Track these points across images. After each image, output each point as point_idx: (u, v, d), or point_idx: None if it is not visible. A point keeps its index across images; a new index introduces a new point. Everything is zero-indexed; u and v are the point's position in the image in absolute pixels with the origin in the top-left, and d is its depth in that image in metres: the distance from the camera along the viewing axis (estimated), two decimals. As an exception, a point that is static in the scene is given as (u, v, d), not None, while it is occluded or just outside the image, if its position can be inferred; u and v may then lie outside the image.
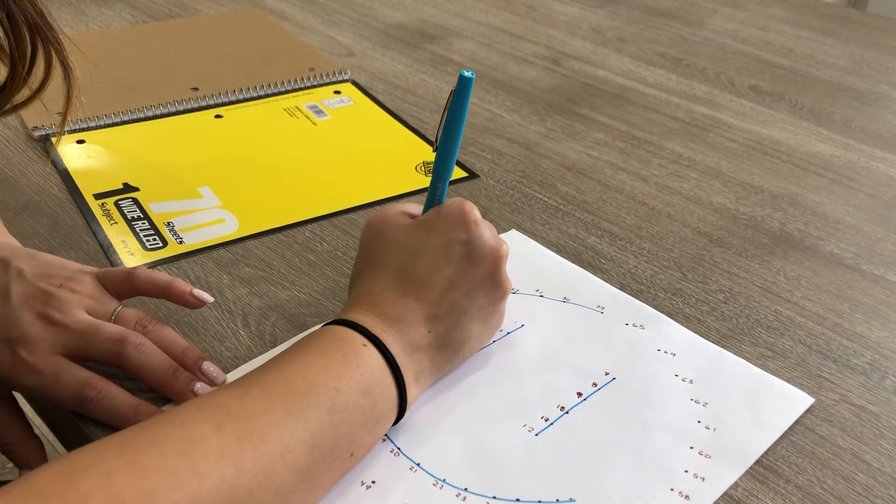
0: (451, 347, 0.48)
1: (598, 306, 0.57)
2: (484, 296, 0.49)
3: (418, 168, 0.73)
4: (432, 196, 0.50)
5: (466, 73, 0.46)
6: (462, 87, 0.47)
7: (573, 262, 0.62)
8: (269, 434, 0.38)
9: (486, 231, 0.49)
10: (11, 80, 0.46)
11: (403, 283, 0.47)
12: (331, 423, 0.40)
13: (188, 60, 0.89)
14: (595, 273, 0.61)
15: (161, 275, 0.51)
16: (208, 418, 0.37)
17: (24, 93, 0.48)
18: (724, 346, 0.55)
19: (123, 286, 0.50)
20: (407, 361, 0.45)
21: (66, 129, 0.73)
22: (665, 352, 0.54)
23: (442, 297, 0.47)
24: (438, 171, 0.50)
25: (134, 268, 0.51)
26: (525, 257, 0.62)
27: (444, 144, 0.49)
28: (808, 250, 0.66)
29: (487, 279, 0.49)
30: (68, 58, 0.47)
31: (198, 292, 0.51)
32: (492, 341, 0.53)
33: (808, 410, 0.50)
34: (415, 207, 0.52)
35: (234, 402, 0.39)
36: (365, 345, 0.44)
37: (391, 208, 0.51)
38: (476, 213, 0.49)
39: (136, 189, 0.67)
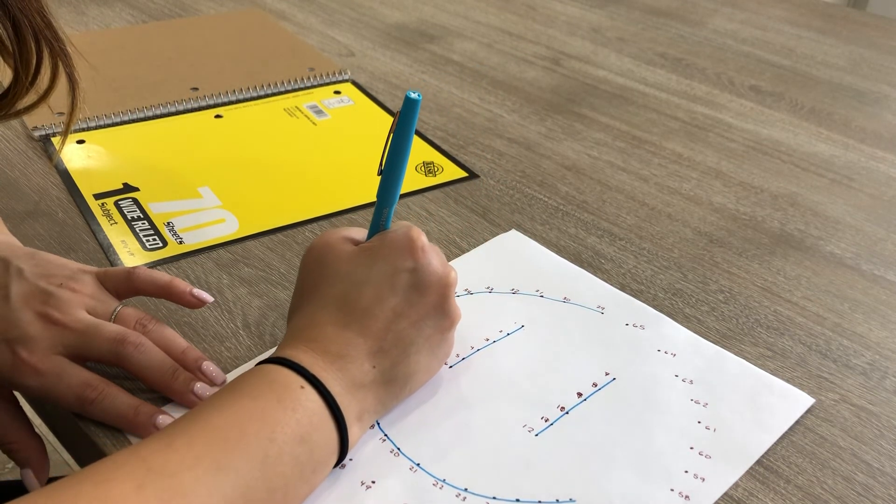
0: (397, 382, 0.46)
1: (599, 307, 0.57)
2: (432, 326, 0.46)
3: (418, 168, 0.73)
4: (377, 222, 0.48)
5: (413, 95, 0.43)
6: (408, 109, 0.44)
7: (573, 262, 0.62)
8: (195, 493, 0.35)
9: (434, 258, 0.47)
10: (14, 88, 0.46)
11: (346, 316, 0.45)
12: (263, 476, 0.37)
13: (188, 60, 0.89)
14: (595, 273, 0.61)
15: (161, 275, 0.51)
16: (128, 476, 0.34)
17: (31, 97, 0.48)
18: (724, 346, 0.55)
19: (123, 286, 0.50)
20: (349, 401, 0.43)
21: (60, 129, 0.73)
22: (665, 352, 0.54)
23: (387, 330, 0.45)
24: (383, 196, 0.47)
25: (134, 267, 0.51)
26: (525, 257, 0.62)
27: (390, 168, 0.46)
28: (808, 250, 0.66)
29: (435, 308, 0.46)
30: (75, 70, 0.47)
31: (197, 292, 0.51)
32: (491, 342, 0.53)
33: (808, 410, 0.50)
34: (358, 233, 0.49)
35: (157, 455, 0.36)
36: (303, 387, 0.41)
37: (333, 234, 0.48)
38: (423, 238, 0.46)
39: (136, 189, 0.67)
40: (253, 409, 0.39)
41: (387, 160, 0.46)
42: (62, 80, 0.47)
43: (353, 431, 0.43)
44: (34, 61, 0.45)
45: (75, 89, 0.48)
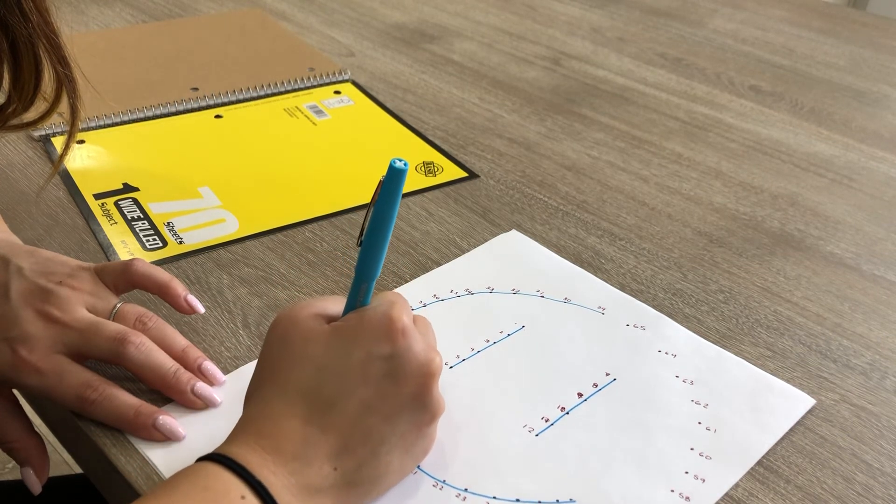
0: (362, 485, 0.40)
1: (599, 307, 0.57)
2: (408, 421, 0.41)
3: (418, 168, 0.73)
4: (354, 297, 0.42)
5: (398, 164, 0.39)
6: (393, 179, 0.40)
7: (573, 262, 0.62)
8: None
9: (416, 342, 0.40)
10: (5, 110, 0.45)
11: (308, 408, 0.39)
12: None
13: (188, 60, 0.89)
14: (595, 273, 0.61)
15: (161, 273, 0.51)
16: None
17: (31, 114, 0.47)
18: (724, 346, 0.55)
19: (121, 280, 0.50)
20: None
21: (61, 129, 0.73)
22: (666, 353, 0.54)
23: (353, 426, 0.39)
24: (363, 269, 0.42)
25: (130, 260, 0.50)
26: (525, 257, 0.62)
27: (371, 240, 0.41)
28: (808, 250, 0.66)
29: (413, 401, 0.40)
30: (79, 100, 0.46)
31: (192, 299, 0.51)
32: (491, 342, 0.53)
33: (808, 410, 0.50)
34: (334, 304, 0.43)
35: None
36: (243, 497, 0.35)
37: (303, 308, 0.42)
38: (405, 319, 0.40)
39: (136, 189, 0.67)
40: None
41: (368, 231, 0.41)
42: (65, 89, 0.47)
43: None
44: (31, 88, 0.43)
45: (75, 117, 0.46)
